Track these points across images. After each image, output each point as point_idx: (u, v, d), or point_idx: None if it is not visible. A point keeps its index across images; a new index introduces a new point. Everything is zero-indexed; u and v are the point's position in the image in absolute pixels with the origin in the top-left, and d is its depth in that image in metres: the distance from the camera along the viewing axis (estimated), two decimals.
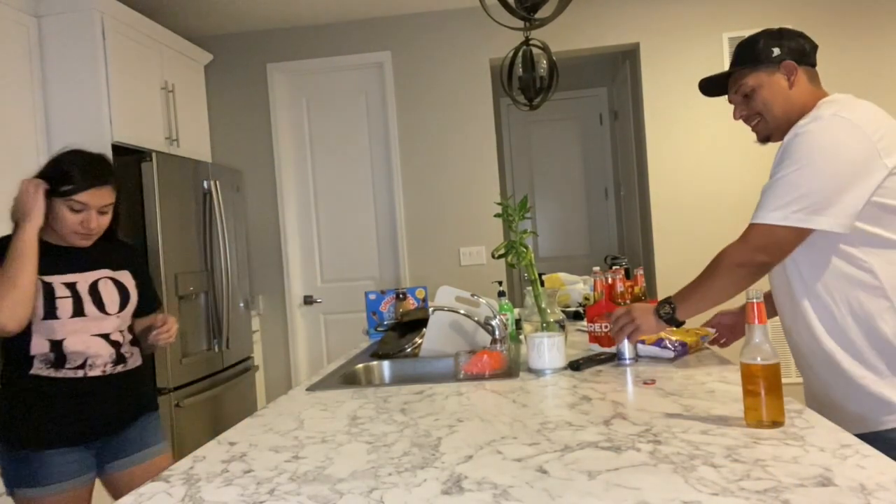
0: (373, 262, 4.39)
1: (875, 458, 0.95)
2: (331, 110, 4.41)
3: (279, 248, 4.37)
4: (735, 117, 1.65)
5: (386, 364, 2.11)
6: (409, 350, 2.17)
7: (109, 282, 1.83)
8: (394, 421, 1.35)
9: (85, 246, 1.79)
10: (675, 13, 4.17)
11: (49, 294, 1.71)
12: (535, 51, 3.26)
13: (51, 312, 1.71)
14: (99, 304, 1.78)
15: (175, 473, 1.12)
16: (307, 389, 1.73)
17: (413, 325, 2.36)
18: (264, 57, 4.37)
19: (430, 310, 2.13)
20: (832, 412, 1.45)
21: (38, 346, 1.71)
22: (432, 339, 2.11)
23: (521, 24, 2.61)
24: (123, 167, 3.12)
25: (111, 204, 1.79)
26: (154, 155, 3.15)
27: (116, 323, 1.82)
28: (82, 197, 1.71)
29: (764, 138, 1.62)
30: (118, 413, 1.83)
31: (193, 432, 3.25)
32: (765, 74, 1.55)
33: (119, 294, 1.84)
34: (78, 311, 1.74)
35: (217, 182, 3.65)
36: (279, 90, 4.39)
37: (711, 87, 1.69)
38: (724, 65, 4.10)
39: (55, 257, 1.76)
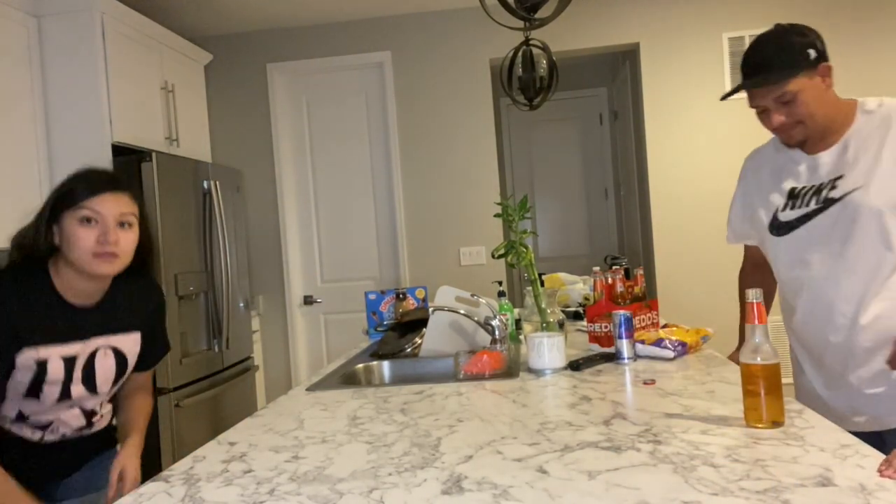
0: (373, 262, 4.38)
1: (875, 458, 0.95)
2: (331, 110, 4.41)
3: (279, 248, 4.37)
4: (772, 124, 1.56)
5: (386, 364, 2.11)
6: (409, 350, 2.17)
7: (110, 352, 1.55)
8: (394, 421, 1.35)
9: (109, 273, 1.47)
10: (675, 13, 4.17)
11: (40, 375, 1.43)
12: (535, 51, 3.26)
13: (34, 394, 1.45)
14: (90, 382, 1.52)
15: (175, 473, 1.12)
16: (307, 389, 1.73)
17: (413, 325, 2.36)
18: (264, 57, 4.37)
19: (430, 310, 2.13)
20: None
21: (6, 408, 1.46)
22: (432, 339, 2.11)
23: (521, 24, 2.61)
24: (123, 167, 3.13)
25: (132, 214, 1.50)
26: (154, 155, 3.15)
27: (101, 398, 1.58)
28: (93, 203, 1.44)
29: (798, 143, 1.57)
30: (68, 465, 1.59)
31: (193, 432, 3.25)
32: (805, 78, 1.49)
33: (116, 368, 1.57)
34: (65, 394, 1.48)
35: (217, 182, 3.65)
36: (279, 90, 4.39)
37: (742, 75, 1.60)
38: (725, 65, 4.10)
39: (60, 319, 1.47)
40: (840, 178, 1.53)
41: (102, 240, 1.43)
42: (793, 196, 1.62)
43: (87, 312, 1.51)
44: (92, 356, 1.51)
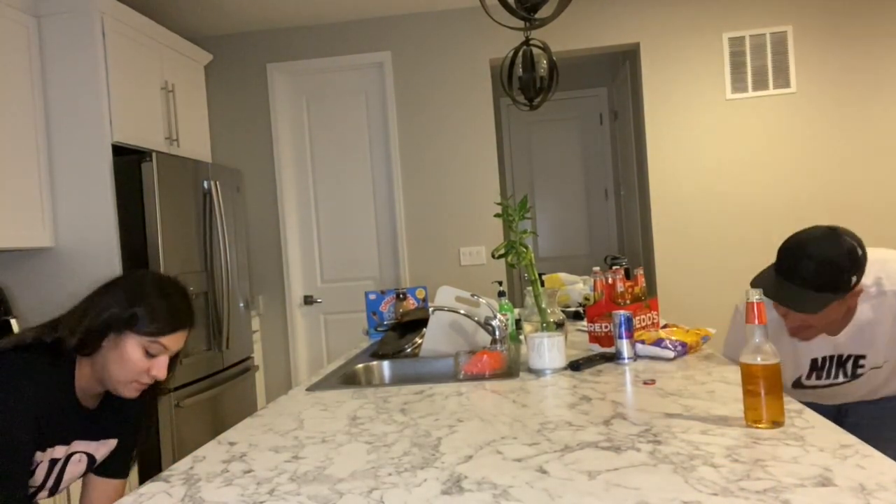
0: (373, 262, 4.38)
1: (875, 458, 0.95)
2: (331, 110, 4.41)
3: (279, 248, 4.37)
4: (788, 325, 1.56)
5: (386, 364, 2.11)
6: (409, 350, 2.17)
7: (84, 458, 1.42)
8: (394, 421, 1.35)
9: (132, 397, 1.39)
10: (675, 13, 4.17)
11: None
12: (535, 51, 3.25)
13: None
14: (56, 486, 1.40)
15: (175, 473, 1.12)
16: (307, 389, 1.73)
17: (413, 325, 2.36)
18: (264, 57, 4.37)
19: (430, 310, 2.13)
20: None
21: None
22: (432, 339, 2.11)
23: (521, 24, 2.61)
24: (123, 167, 3.13)
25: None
26: (154, 155, 3.15)
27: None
28: (167, 340, 1.35)
29: (807, 340, 1.60)
30: None
31: (193, 432, 3.25)
32: (838, 302, 1.49)
33: (82, 473, 1.45)
34: (30, 497, 1.36)
35: (217, 182, 3.65)
36: (279, 90, 4.39)
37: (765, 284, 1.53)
38: (725, 65, 4.10)
39: (70, 422, 1.37)
40: (863, 357, 1.62)
41: (152, 373, 1.35)
42: (816, 367, 1.68)
43: (86, 416, 1.41)
44: (67, 459, 1.39)
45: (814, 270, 1.45)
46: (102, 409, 1.44)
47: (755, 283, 1.54)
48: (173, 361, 1.42)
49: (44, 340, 1.35)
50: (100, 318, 1.33)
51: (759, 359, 1.13)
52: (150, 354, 1.34)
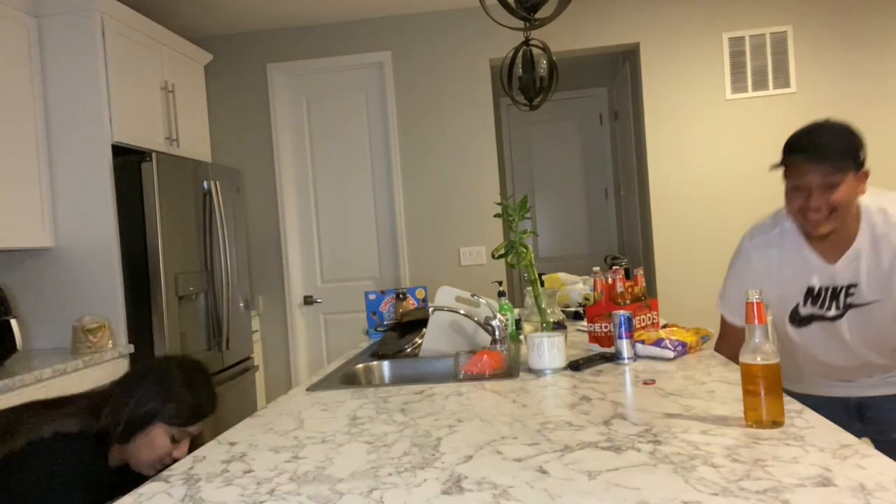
0: (373, 262, 4.38)
1: (875, 457, 0.95)
2: (331, 110, 4.41)
3: (279, 248, 4.37)
4: (804, 204, 1.59)
5: (386, 364, 2.11)
6: (409, 350, 2.17)
7: None
8: (394, 421, 1.35)
9: (151, 475, 1.40)
10: (675, 13, 4.17)
11: None
12: (535, 51, 3.25)
13: None
14: None
15: (175, 473, 1.12)
16: (307, 389, 1.73)
17: (413, 325, 2.36)
18: (264, 57, 4.37)
19: (430, 310, 2.13)
20: None
21: None
22: (432, 339, 2.11)
23: (521, 24, 2.61)
24: (123, 167, 3.13)
25: None
26: (154, 155, 3.15)
27: None
28: (193, 428, 1.49)
29: (821, 236, 1.61)
30: None
31: None
32: (852, 176, 1.56)
33: None
34: None
35: (217, 182, 3.65)
36: (279, 90, 4.39)
37: (796, 150, 1.61)
38: (725, 65, 4.10)
39: (107, 484, 1.42)
40: (854, 286, 1.64)
41: (175, 455, 1.45)
42: (811, 295, 1.70)
43: (113, 486, 1.46)
44: None
45: (835, 141, 1.57)
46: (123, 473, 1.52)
47: (776, 167, 1.61)
48: (193, 441, 1.54)
49: (89, 431, 1.43)
50: (139, 412, 1.45)
51: (759, 359, 1.13)
52: (175, 440, 1.47)
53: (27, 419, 1.43)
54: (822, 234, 1.61)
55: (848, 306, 1.67)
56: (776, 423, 1.12)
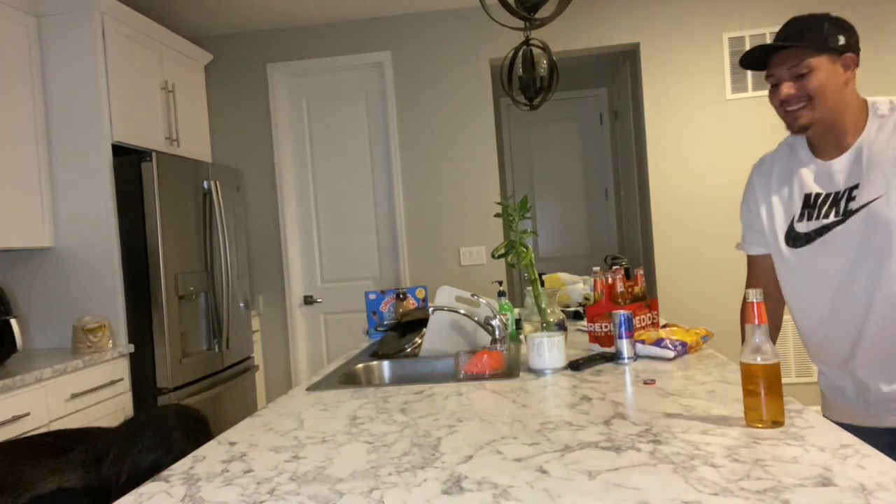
0: (373, 262, 4.39)
1: (875, 457, 0.95)
2: (331, 110, 4.41)
3: (279, 248, 4.37)
4: (779, 96, 1.52)
5: (386, 364, 2.11)
6: (409, 350, 2.17)
7: None
8: (394, 421, 1.35)
9: None
10: (675, 13, 4.17)
11: None
12: (535, 51, 3.25)
13: None
14: None
15: (175, 473, 1.12)
16: (307, 389, 1.73)
17: (413, 325, 2.36)
18: (264, 57, 4.37)
19: (430, 310, 2.13)
20: None
21: None
22: (432, 339, 2.11)
23: (521, 24, 2.61)
24: (123, 167, 3.13)
25: None
26: (154, 155, 3.15)
27: None
28: None
29: (801, 128, 1.51)
30: None
31: None
32: (826, 60, 1.47)
33: None
34: None
35: (217, 182, 3.65)
36: (279, 90, 4.39)
37: (753, 60, 1.56)
38: (725, 65, 4.10)
39: None
40: (856, 186, 1.50)
41: None
42: (808, 205, 1.58)
43: None
44: None
45: (801, 28, 1.50)
46: None
47: (743, 60, 1.55)
48: None
49: (91, 485, 1.40)
50: (141, 465, 1.41)
51: (759, 359, 1.13)
52: None
53: (29, 471, 1.42)
54: (802, 126, 1.50)
55: (849, 212, 1.50)
56: (777, 423, 1.13)
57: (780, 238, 1.63)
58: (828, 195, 1.54)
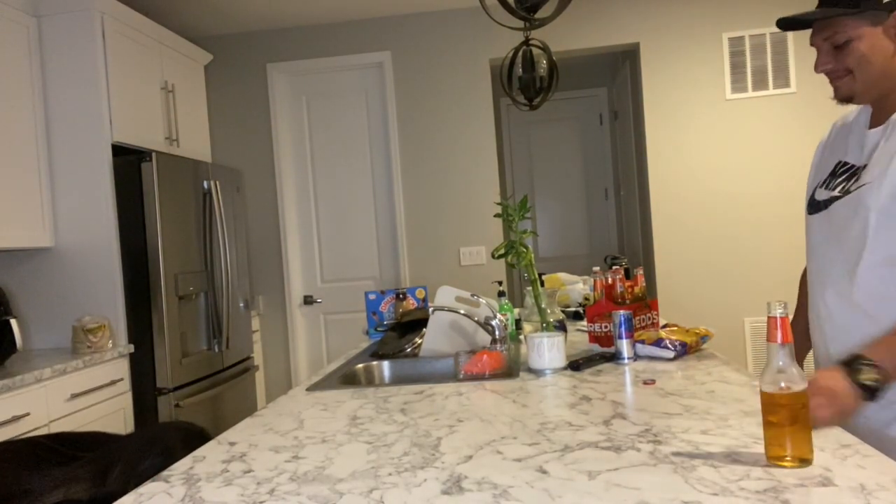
0: (373, 262, 4.39)
1: (875, 457, 0.95)
2: (331, 110, 4.41)
3: (279, 248, 4.37)
4: (817, 69, 1.38)
5: (386, 364, 2.11)
6: (409, 350, 2.17)
7: None
8: (394, 421, 1.35)
9: None
10: (675, 13, 4.17)
11: None
12: (535, 51, 3.25)
13: None
14: None
15: (175, 473, 1.12)
16: (307, 389, 1.73)
17: (413, 325, 2.36)
18: (264, 57, 4.37)
19: (430, 310, 2.13)
20: None
21: None
22: (432, 339, 2.11)
23: (521, 24, 2.61)
24: (123, 167, 3.13)
25: None
26: (154, 155, 3.15)
27: None
28: None
29: (845, 98, 1.37)
30: None
31: None
32: (867, 25, 1.28)
33: None
34: None
35: (217, 182, 3.65)
36: (279, 90, 4.39)
37: (795, 22, 1.39)
38: (725, 65, 4.10)
39: None
40: (864, 167, 1.36)
41: None
42: (834, 173, 1.44)
43: None
44: None
45: None
46: None
47: (782, 22, 1.39)
48: None
49: (97, 498, 1.39)
50: (146, 476, 1.41)
51: (782, 385, 0.94)
52: None
53: (35, 480, 1.42)
54: (843, 97, 1.36)
55: (847, 191, 1.37)
56: (804, 461, 0.94)
57: (806, 202, 1.53)
58: (850, 167, 1.41)
